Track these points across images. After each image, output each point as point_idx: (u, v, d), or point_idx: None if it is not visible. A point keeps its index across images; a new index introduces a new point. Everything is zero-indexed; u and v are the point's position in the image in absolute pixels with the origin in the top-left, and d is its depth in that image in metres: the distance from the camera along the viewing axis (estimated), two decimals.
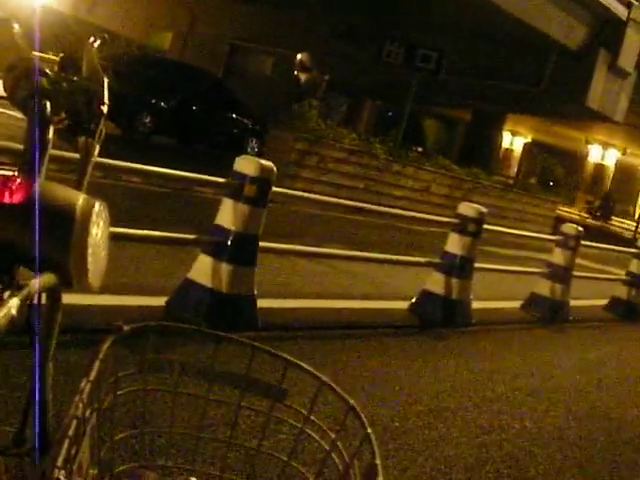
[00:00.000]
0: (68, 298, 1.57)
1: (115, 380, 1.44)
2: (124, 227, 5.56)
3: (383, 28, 27.67)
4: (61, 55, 21.24)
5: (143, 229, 6.13)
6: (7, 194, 1.17)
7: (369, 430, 1.44)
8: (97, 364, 1.32)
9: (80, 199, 1.24)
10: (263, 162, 6.19)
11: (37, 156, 1.30)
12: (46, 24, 29.65)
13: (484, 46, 29.06)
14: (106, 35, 1.70)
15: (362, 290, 9.36)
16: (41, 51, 1.54)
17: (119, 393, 1.45)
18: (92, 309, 5.25)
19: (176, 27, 36.48)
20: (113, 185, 10.09)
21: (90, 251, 1.22)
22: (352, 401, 1.51)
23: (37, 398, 1.42)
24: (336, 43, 31.66)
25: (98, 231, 1.26)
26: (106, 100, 1.59)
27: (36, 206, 1.15)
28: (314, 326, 6.95)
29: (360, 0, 27.68)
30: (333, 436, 1.52)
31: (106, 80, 1.62)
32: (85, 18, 34.39)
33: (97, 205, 1.27)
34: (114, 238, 5.41)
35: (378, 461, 1.34)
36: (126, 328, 1.46)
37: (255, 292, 6.33)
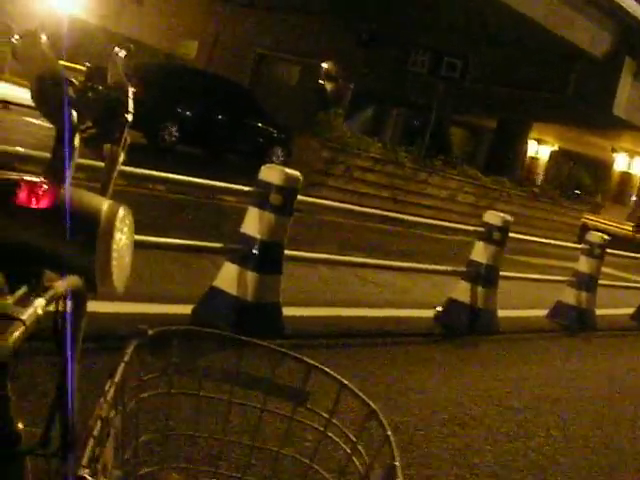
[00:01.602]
0: (94, 306, 1.59)
1: (139, 383, 1.47)
2: (150, 235, 5.60)
3: (408, 36, 27.71)
4: (88, 65, 21.43)
5: (169, 237, 6.17)
6: (34, 199, 1.20)
7: (389, 432, 1.45)
8: (122, 366, 1.35)
9: (104, 204, 1.27)
10: (288, 171, 6.22)
11: (64, 163, 1.33)
12: (73, 34, 29.90)
13: (510, 54, 29.03)
14: (131, 45, 1.73)
15: (387, 298, 9.37)
16: (68, 61, 1.58)
17: (143, 396, 1.47)
18: (118, 317, 5.29)
19: (202, 36, 36.66)
20: (139, 193, 10.15)
21: (114, 255, 1.24)
22: (373, 405, 1.53)
23: (63, 400, 1.44)
24: (361, 52, 31.73)
25: (122, 236, 1.29)
26: (131, 109, 1.62)
27: (63, 210, 1.18)
28: (339, 334, 6.96)
29: (385, 9, 27.72)
30: (354, 439, 1.54)
31: (131, 89, 1.65)
32: (112, 28, 34.62)
33: (121, 210, 1.30)
34: (140, 246, 5.45)
35: (397, 463, 1.36)
36: (150, 332, 1.48)
37: (280, 300, 6.36)
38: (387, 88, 33.03)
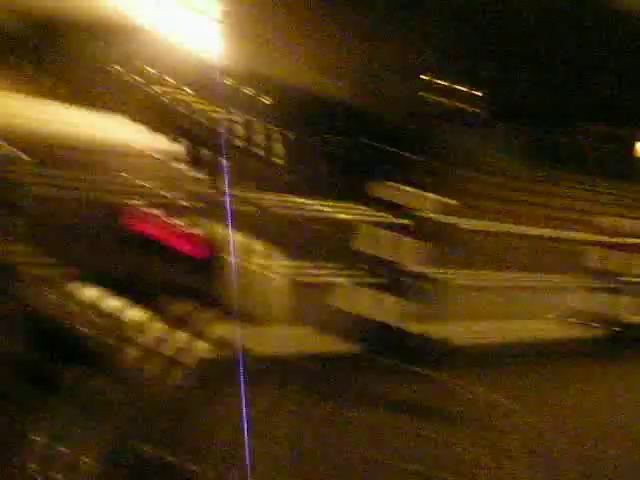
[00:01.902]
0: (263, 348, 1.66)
1: (288, 408, 1.53)
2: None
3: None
4: (239, 112, 21.75)
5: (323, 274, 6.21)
6: (192, 248, 1.30)
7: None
8: (269, 391, 1.41)
9: (250, 248, 1.35)
10: (431, 196, 6.23)
11: (228, 213, 1.43)
12: (221, 82, 30.45)
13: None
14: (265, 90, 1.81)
15: (550, 315, 9.11)
16: (217, 112, 1.67)
17: (296, 421, 1.53)
18: (280, 356, 5.32)
19: (346, 72, 36.85)
20: (289, 225, 10.16)
21: (266, 294, 1.33)
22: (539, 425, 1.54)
23: (242, 439, 1.51)
24: (490, 71, 31.32)
25: (274, 275, 1.37)
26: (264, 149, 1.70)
27: (219, 257, 1.28)
28: (502, 353, 6.82)
29: (517, 23, 27.29)
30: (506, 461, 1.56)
31: (261, 127, 1.72)
32: (256, 71, 35.08)
33: (264, 249, 1.38)
34: (298, 283, 5.40)
35: None
36: (303, 362, 1.55)
37: (433, 324, 6.33)
38: (519, 105, 32.39)
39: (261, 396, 3.91)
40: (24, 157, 4.48)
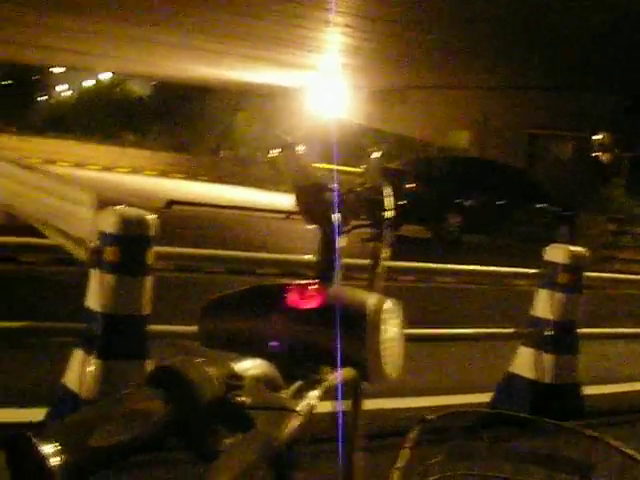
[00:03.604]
0: (375, 403, 1.65)
1: (425, 467, 1.51)
2: (439, 328, 5.66)
3: None
4: (360, 167, 22.06)
5: (460, 328, 6.21)
6: (305, 300, 1.30)
7: None
8: (406, 452, 1.40)
9: (371, 299, 1.35)
10: (573, 248, 6.16)
11: (332, 264, 1.43)
12: (337, 136, 30.96)
13: None
14: (383, 148, 1.83)
15: None
16: (327, 163, 1.69)
17: None
18: (408, 411, 5.34)
19: (471, 124, 36.87)
20: (428, 287, 10.26)
21: (383, 346, 1.32)
22: None
23: None
24: (624, 119, 30.74)
25: (390, 327, 1.36)
26: (388, 206, 1.70)
27: (331, 308, 1.27)
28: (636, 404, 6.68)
29: None
30: None
31: (389, 188, 1.73)
32: (378, 127, 35.54)
33: (387, 303, 1.37)
34: (435, 339, 5.45)
35: None
36: (431, 417, 1.53)
37: (579, 380, 6.22)
38: None
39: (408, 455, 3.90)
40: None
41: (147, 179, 34.00)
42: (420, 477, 1.47)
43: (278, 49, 26.71)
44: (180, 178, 36.56)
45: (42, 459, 0.77)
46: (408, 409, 5.41)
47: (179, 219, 12.84)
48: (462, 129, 37.51)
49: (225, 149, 46.20)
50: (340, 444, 1.37)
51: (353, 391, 1.36)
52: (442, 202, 21.18)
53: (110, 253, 4.46)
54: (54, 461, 0.78)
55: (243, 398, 0.96)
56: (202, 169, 39.83)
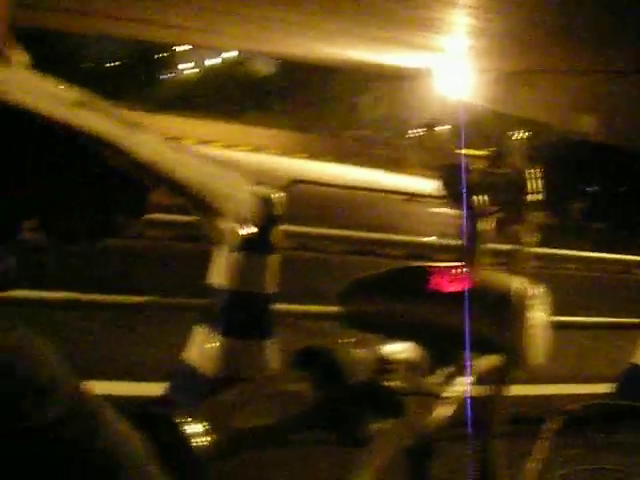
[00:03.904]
0: (514, 388, 1.61)
1: (562, 459, 1.47)
2: (566, 315, 5.55)
3: None
4: (489, 150, 21.70)
5: (583, 316, 6.08)
6: (450, 283, 1.27)
7: None
8: (545, 442, 1.36)
9: (515, 283, 1.31)
10: None
11: (473, 247, 1.40)
12: (470, 121, 30.61)
13: None
14: (529, 131, 1.77)
15: None
16: (467, 148, 1.64)
17: (564, 472, 1.47)
18: (537, 399, 5.25)
19: (597, 109, 36.03)
20: (552, 274, 10.07)
21: (528, 332, 1.28)
22: None
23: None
24: None
25: (535, 313, 1.31)
26: (534, 190, 1.65)
27: (475, 292, 1.24)
28: None
29: None
30: None
31: (533, 171, 1.68)
32: (503, 110, 35.00)
33: (532, 288, 1.33)
34: (559, 327, 5.38)
35: None
36: (572, 408, 1.49)
37: None
38: None
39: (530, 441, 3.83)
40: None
41: (271, 158, 34.27)
42: (558, 467, 1.43)
43: (404, 30, 26.49)
44: (304, 157, 36.71)
45: (188, 438, 0.77)
46: (538, 397, 5.32)
47: (302, 198, 12.89)
48: (587, 114, 36.68)
49: (349, 129, 46.25)
50: (478, 430, 1.35)
51: (497, 378, 1.33)
52: (565, 187, 20.80)
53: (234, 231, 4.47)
54: (200, 440, 0.77)
55: (393, 383, 0.93)
56: (326, 149, 39.93)
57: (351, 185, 21.93)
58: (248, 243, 4.48)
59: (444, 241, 6.20)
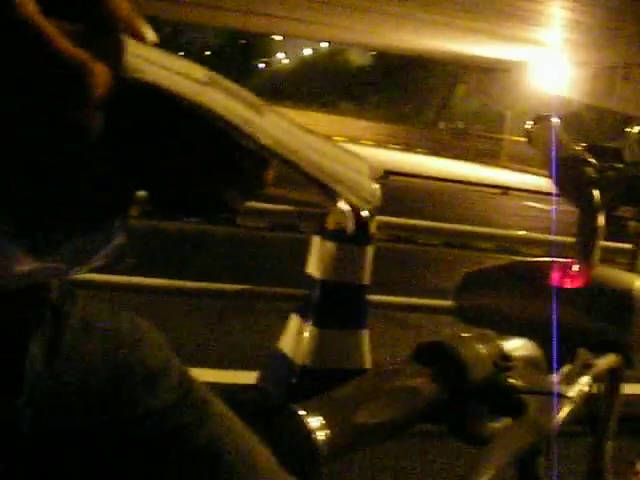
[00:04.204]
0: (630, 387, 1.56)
1: None
2: None
3: None
4: (606, 144, 21.23)
5: None
6: (567, 280, 1.24)
7: None
8: None
9: (637, 281, 1.27)
10: None
11: (591, 243, 1.36)
12: (571, 114, 30.11)
13: None
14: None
15: None
16: (583, 142, 1.60)
17: None
18: None
19: None
20: None
21: None
22: None
23: None
24: None
25: None
26: None
27: (595, 289, 1.20)
28: None
29: None
30: None
31: None
32: (600, 104, 34.41)
33: None
34: None
35: None
36: None
37: None
38: None
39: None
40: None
41: (364, 149, 34.30)
42: None
43: (499, 22, 26.24)
44: (397, 149, 36.63)
45: (308, 433, 0.75)
46: None
47: (394, 189, 12.86)
48: None
49: (443, 121, 45.99)
50: (594, 429, 1.32)
51: (614, 377, 1.29)
52: None
53: (333, 221, 4.47)
54: (319, 435, 0.76)
55: (514, 380, 0.90)
56: (420, 141, 39.78)
57: (444, 177, 21.80)
58: (345, 233, 4.47)
59: (535, 235, 6.11)
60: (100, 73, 0.55)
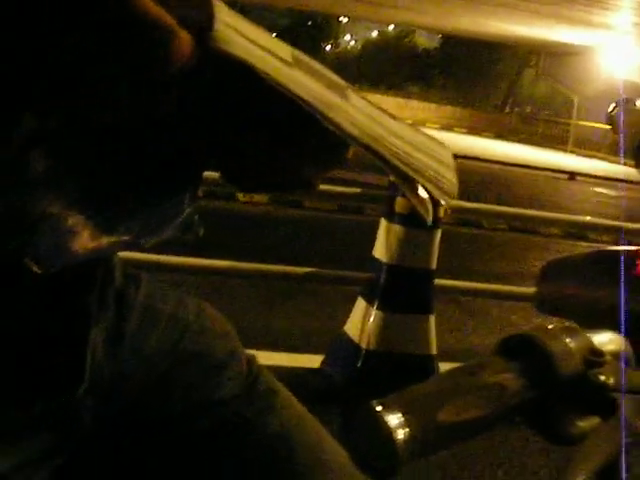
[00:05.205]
0: None
1: None
2: None
3: None
4: None
5: None
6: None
7: None
8: None
9: None
10: None
11: None
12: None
13: None
14: None
15: None
16: None
17: None
18: None
19: None
20: None
21: None
22: None
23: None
24: None
25: None
26: None
27: None
28: None
29: None
30: None
31: None
32: None
33: None
34: None
35: None
36: None
37: None
38: None
39: None
40: None
41: (430, 132, 34.09)
42: None
43: (569, 6, 25.90)
44: (463, 133, 36.40)
45: (387, 431, 0.71)
46: None
47: (461, 173, 12.75)
48: None
49: (511, 105, 45.58)
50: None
51: None
52: None
53: (401, 204, 4.42)
54: (398, 434, 0.72)
55: (605, 377, 0.85)
56: (486, 124, 39.50)
57: (510, 162, 21.61)
58: (413, 217, 4.41)
59: (603, 221, 6.00)
60: (185, 40, 0.52)
